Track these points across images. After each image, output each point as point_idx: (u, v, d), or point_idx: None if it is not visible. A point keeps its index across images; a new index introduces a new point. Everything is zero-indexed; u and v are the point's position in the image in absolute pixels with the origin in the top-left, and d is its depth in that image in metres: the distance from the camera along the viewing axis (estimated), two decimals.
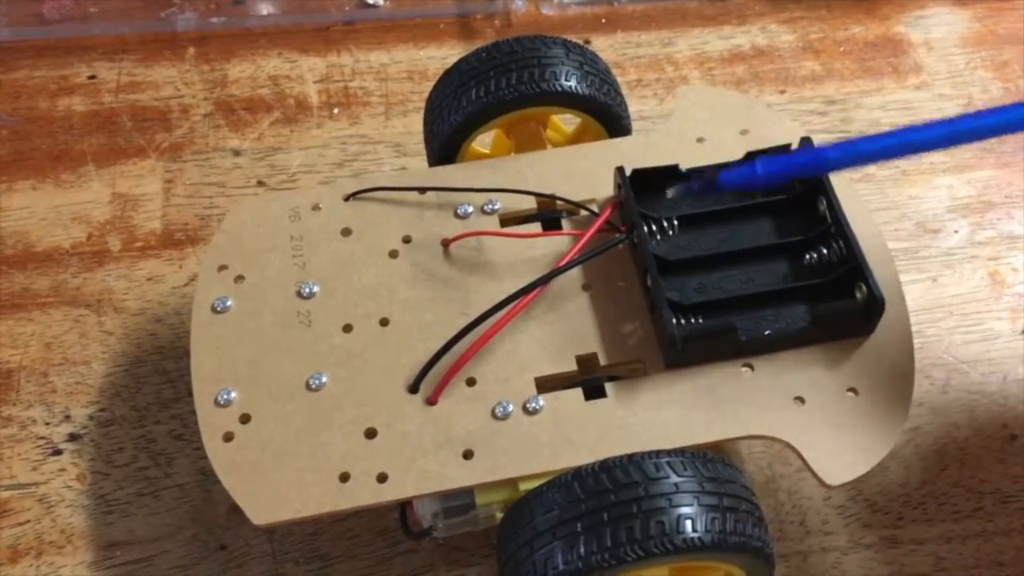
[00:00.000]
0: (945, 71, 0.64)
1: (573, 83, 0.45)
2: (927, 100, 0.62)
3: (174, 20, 0.65)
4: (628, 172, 0.43)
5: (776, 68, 0.64)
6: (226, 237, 0.44)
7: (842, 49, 0.65)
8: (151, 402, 0.49)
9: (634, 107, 0.50)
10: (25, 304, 0.53)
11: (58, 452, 0.48)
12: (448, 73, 0.48)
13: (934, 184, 0.58)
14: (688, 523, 0.33)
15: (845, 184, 0.43)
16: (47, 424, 0.49)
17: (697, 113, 0.47)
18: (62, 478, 0.47)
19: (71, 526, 0.46)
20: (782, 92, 0.63)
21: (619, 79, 0.50)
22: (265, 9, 0.67)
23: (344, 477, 0.37)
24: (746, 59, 0.65)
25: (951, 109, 0.62)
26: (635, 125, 0.50)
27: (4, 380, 0.50)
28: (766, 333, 0.40)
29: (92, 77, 0.63)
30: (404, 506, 0.39)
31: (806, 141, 0.43)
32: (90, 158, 0.59)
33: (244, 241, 0.44)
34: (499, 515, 0.38)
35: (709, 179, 0.40)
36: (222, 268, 0.43)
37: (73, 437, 0.48)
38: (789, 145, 0.43)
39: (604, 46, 0.65)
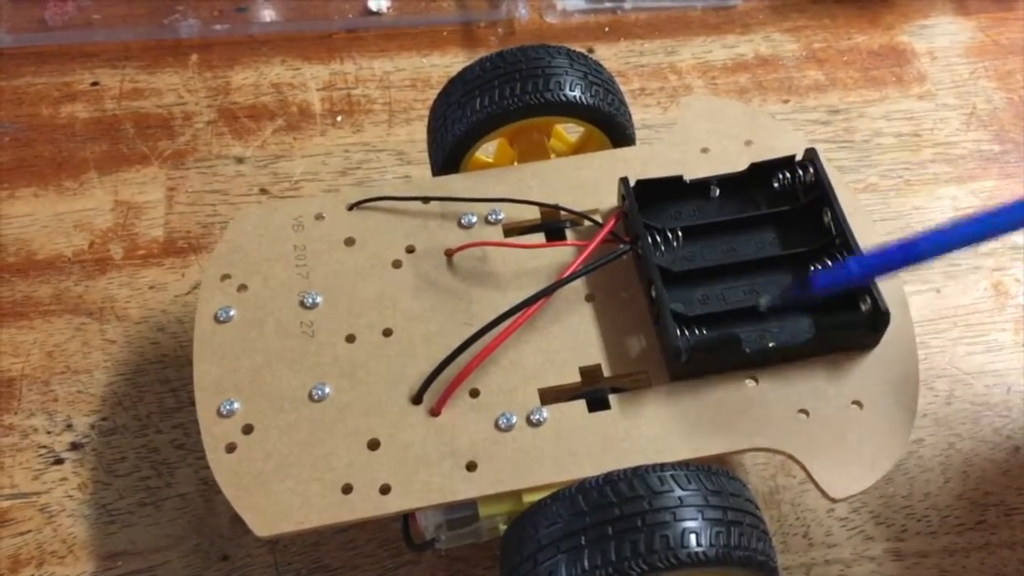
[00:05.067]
0: (949, 81, 0.64)
1: (577, 93, 0.45)
2: (930, 110, 0.62)
3: (177, 27, 0.65)
4: (632, 183, 0.43)
5: (779, 77, 0.64)
6: (229, 246, 0.44)
7: (845, 58, 0.65)
8: (153, 411, 0.49)
9: (637, 116, 0.50)
10: (27, 312, 0.52)
11: (60, 461, 0.48)
12: (452, 82, 0.47)
13: (937, 195, 0.58)
14: (693, 537, 0.33)
15: (849, 195, 0.43)
16: (49, 433, 0.48)
17: (701, 123, 0.47)
18: (64, 487, 0.47)
19: (72, 536, 0.46)
20: (785, 101, 0.63)
21: (622, 88, 0.50)
22: (268, 16, 0.67)
23: (347, 488, 0.37)
24: (749, 68, 0.65)
25: (954, 119, 0.62)
26: (638, 134, 0.50)
27: (6, 389, 0.50)
28: (770, 345, 0.39)
29: (95, 84, 0.63)
30: (407, 517, 0.39)
31: (811, 152, 0.43)
32: (92, 165, 0.59)
33: (247, 250, 0.43)
34: (503, 527, 0.38)
35: (806, 286, 0.39)
36: (225, 277, 0.43)
37: (75, 446, 0.48)
38: (793, 157, 0.43)
39: (608, 55, 0.65)
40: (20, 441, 0.48)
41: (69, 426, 0.49)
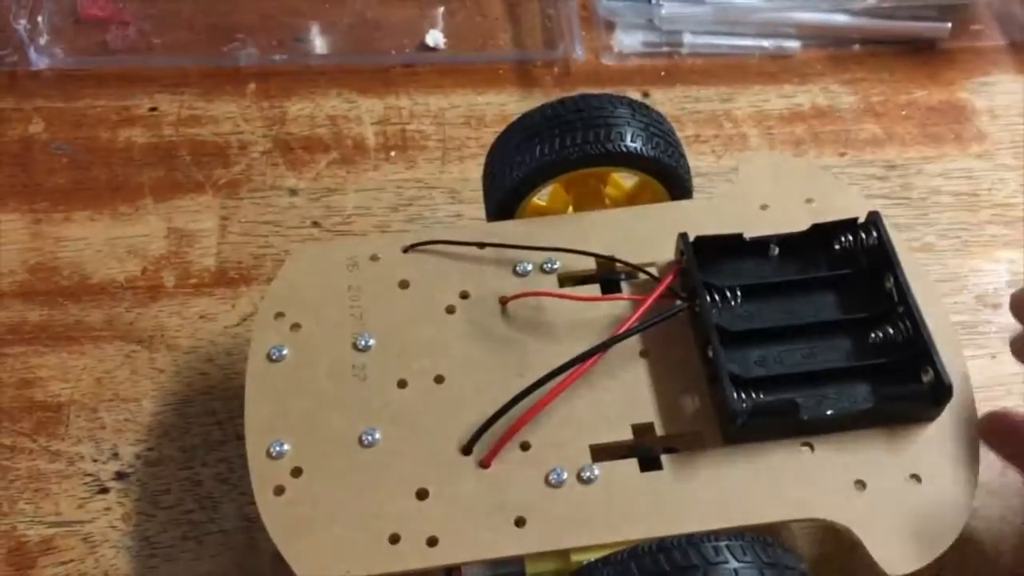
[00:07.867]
0: (1008, 140, 0.63)
1: (638, 144, 0.45)
2: (989, 169, 0.61)
3: (236, 55, 0.66)
4: (691, 238, 0.42)
5: (836, 130, 0.63)
6: (284, 284, 0.44)
7: (904, 113, 0.64)
8: (199, 443, 0.49)
9: (691, 163, 0.50)
10: (78, 337, 0.53)
11: (105, 490, 0.48)
12: (511, 128, 0.47)
13: (995, 257, 0.57)
14: None
15: (910, 259, 0.43)
16: (95, 461, 0.49)
17: (761, 179, 0.47)
18: (107, 517, 0.47)
19: (114, 567, 0.45)
20: (842, 155, 0.62)
21: (677, 134, 0.49)
22: (326, 48, 0.67)
23: (394, 539, 0.37)
24: (806, 119, 0.64)
25: (1013, 180, 0.61)
26: (692, 182, 0.50)
27: (54, 414, 0.50)
28: (828, 412, 0.39)
29: (153, 109, 0.63)
30: (451, 570, 0.39)
31: (874, 216, 0.43)
32: (148, 191, 0.59)
33: (302, 289, 0.44)
34: None
35: None
36: (279, 315, 0.43)
37: (120, 476, 0.48)
38: (856, 219, 0.43)
39: (663, 99, 0.65)
40: (66, 468, 0.48)
41: (115, 455, 0.49)
